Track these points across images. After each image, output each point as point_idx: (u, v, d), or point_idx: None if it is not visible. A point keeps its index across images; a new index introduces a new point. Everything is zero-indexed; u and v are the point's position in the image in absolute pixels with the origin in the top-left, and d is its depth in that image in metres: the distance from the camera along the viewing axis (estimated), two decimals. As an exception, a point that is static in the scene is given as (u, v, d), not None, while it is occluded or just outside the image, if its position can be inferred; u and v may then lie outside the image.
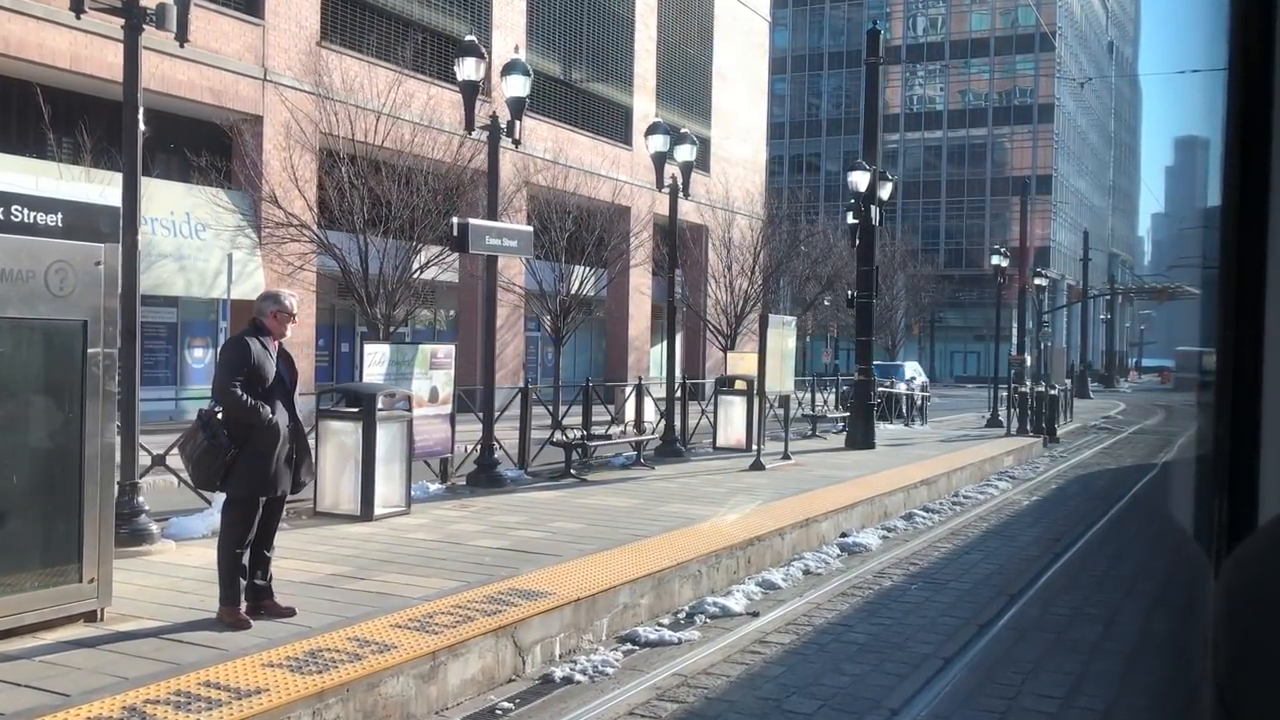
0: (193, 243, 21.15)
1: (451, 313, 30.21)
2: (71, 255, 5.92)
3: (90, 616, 6.18)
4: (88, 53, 18.30)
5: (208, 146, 20.70)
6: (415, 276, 19.65)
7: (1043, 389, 27.02)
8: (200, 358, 22.83)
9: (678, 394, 18.40)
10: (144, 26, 8.39)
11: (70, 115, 18.17)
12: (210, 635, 6.05)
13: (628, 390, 21.25)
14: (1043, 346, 38.35)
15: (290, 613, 6.49)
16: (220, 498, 9.81)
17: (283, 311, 6.75)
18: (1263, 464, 1.38)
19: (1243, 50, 1.35)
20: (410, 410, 10.90)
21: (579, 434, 15.12)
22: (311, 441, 10.44)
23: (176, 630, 6.14)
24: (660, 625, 7.91)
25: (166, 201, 20.57)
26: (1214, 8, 1.46)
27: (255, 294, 21.67)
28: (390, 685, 5.66)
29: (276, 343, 6.71)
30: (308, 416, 12.41)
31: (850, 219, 20.78)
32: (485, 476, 12.86)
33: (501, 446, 13.66)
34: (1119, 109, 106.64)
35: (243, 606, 6.33)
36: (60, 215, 5.88)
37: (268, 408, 6.41)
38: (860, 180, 19.73)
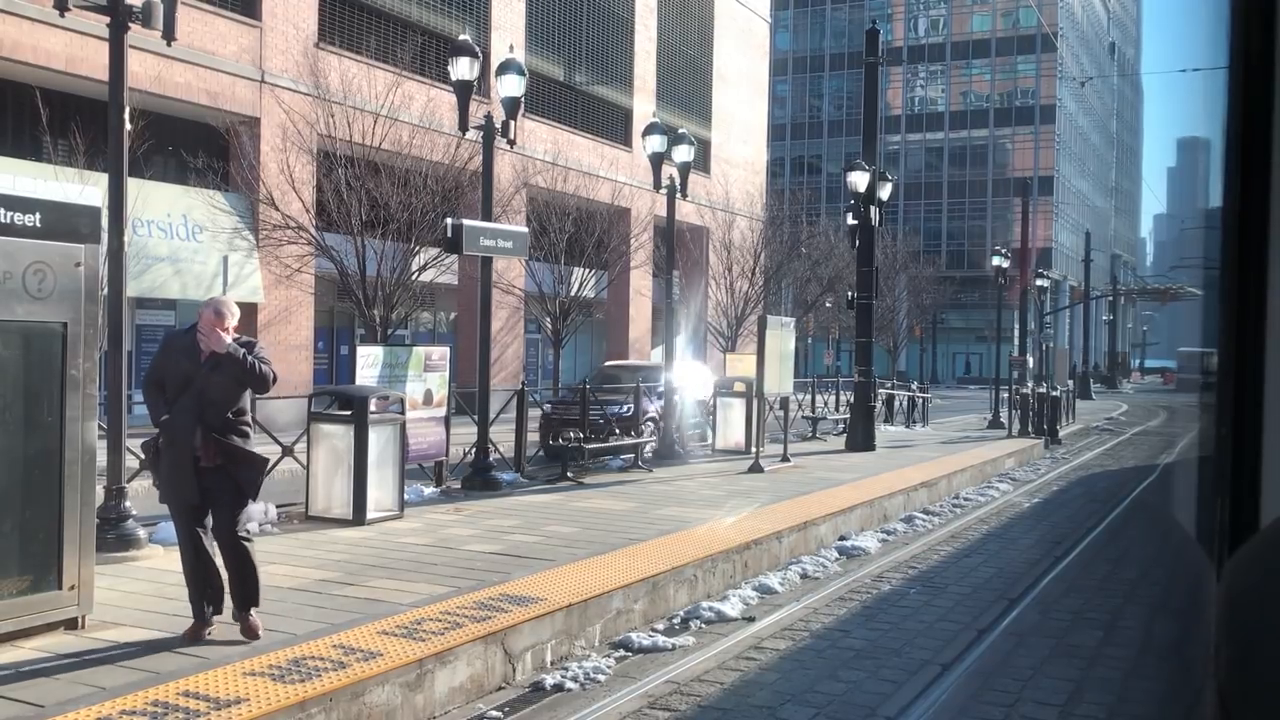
0: (189, 245, 21.07)
1: (452, 315, 30.13)
2: (50, 256, 5.81)
3: (71, 624, 6.08)
4: (83, 54, 18.22)
5: (205, 148, 20.63)
6: (413, 279, 19.59)
7: (1044, 390, 26.90)
8: (198, 361, 22.70)
9: (676, 396, 18.28)
10: (130, 26, 8.29)
11: (66, 117, 18.08)
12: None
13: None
14: (1044, 348, 38.26)
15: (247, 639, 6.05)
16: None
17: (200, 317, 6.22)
18: (1265, 465, 1.37)
19: (1243, 50, 1.35)
20: (404, 413, 10.80)
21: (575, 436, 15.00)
22: (303, 445, 10.48)
23: (158, 638, 6.03)
24: (654, 631, 7.80)
25: (163, 204, 20.49)
26: (1215, 8, 1.44)
27: (252, 296, 21.78)
28: (375, 694, 5.55)
29: (210, 347, 6.07)
30: (297, 420, 12.31)
31: (850, 220, 20.68)
32: (480, 480, 12.75)
33: (498, 449, 13.56)
34: (1121, 110, 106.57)
35: (208, 621, 6.12)
36: (38, 215, 5.76)
37: (162, 410, 6.07)
38: (859, 181, 19.62)
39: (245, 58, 21.96)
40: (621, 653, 7.24)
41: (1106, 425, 34.26)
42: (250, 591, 6.17)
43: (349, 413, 10.08)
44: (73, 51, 18.37)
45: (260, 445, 11.62)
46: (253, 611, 6.16)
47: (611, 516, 11.04)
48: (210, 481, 6.04)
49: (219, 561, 6.19)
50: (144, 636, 6.03)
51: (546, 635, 6.93)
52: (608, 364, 24.89)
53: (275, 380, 6.34)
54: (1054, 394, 27.25)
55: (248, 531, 6.43)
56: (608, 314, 34.23)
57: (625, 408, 17.03)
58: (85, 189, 6.36)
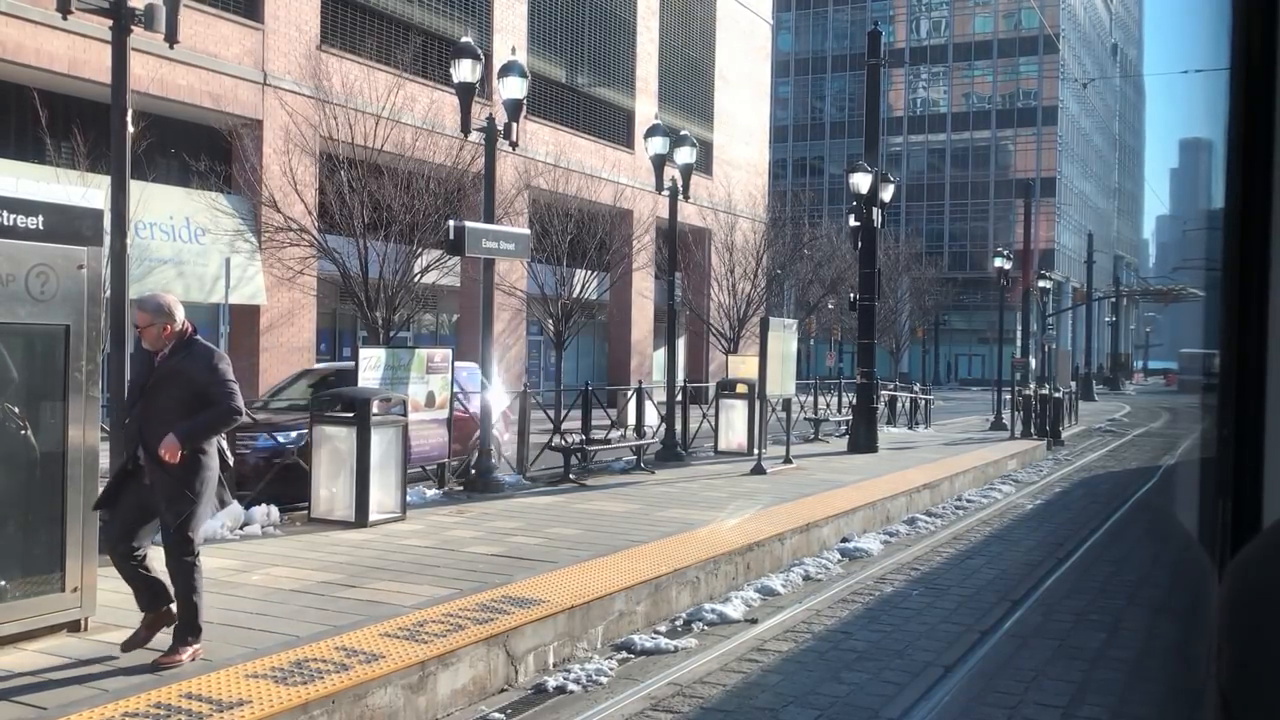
0: (192, 247, 21.09)
1: (454, 317, 30.13)
2: (53, 258, 5.82)
3: (74, 626, 6.08)
4: (85, 56, 18.25)
5: (207, 151, 20.64)
6: (416, 281, 19.57)
7: (1047, 392, 26.89)
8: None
9: (678, 398, 18.29)
10: (133, 28, 8.30)
11: (68, 119, 18.10)
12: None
13: (629, 394, 21.16)
14: (1047, 349, 38.25)
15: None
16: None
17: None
18: (1266, 467, 1.37)
19: (1245, 51, 1.35)
20: (406, 415, 10.80)
21: (578, 438, 15.02)
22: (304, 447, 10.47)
23: (161, 640, 6.01)
24: (657, 633, 7.80)
25: (165, 206, 20.50)
26: (1216, 9, 1.45)
27: (255, 298, 21.79)
28: (378, 696, 5.55)
29: (159, 351, 5.76)
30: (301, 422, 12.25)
31: (852, 221, 20.69)
32: (483, 482, 12.75)
33: (500, 452, 13.56)
34: (1123, 111, 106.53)
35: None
36: (41, 218, 5.76)
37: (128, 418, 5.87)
38: (862, 182, 19.62)
39: (248, 60, 21.98)
40: (624, 654, 7.24)
41: (1109, 427, 34.23)
42: (182, 617, 5.70)
43: (351, 415, 10.09)
44: (75, 54, 18.39)
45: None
46: (185, 647, 5.63)
47: (614, 518, 11.04)
48: (149, 497, 5.73)
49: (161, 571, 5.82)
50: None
51: (549, 637, 6.93)
52: (318, 364, 19.66)
53: (238, 416, 5.78)
54: (1056, 395, 27.23)
55: (192, 554, 5.74)
56: (610, 316, 34.23)
57: (296, 435, 11.20)
58: (88, 191, 6.37)
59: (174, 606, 5.74)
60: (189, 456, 5.64)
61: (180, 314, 5.79)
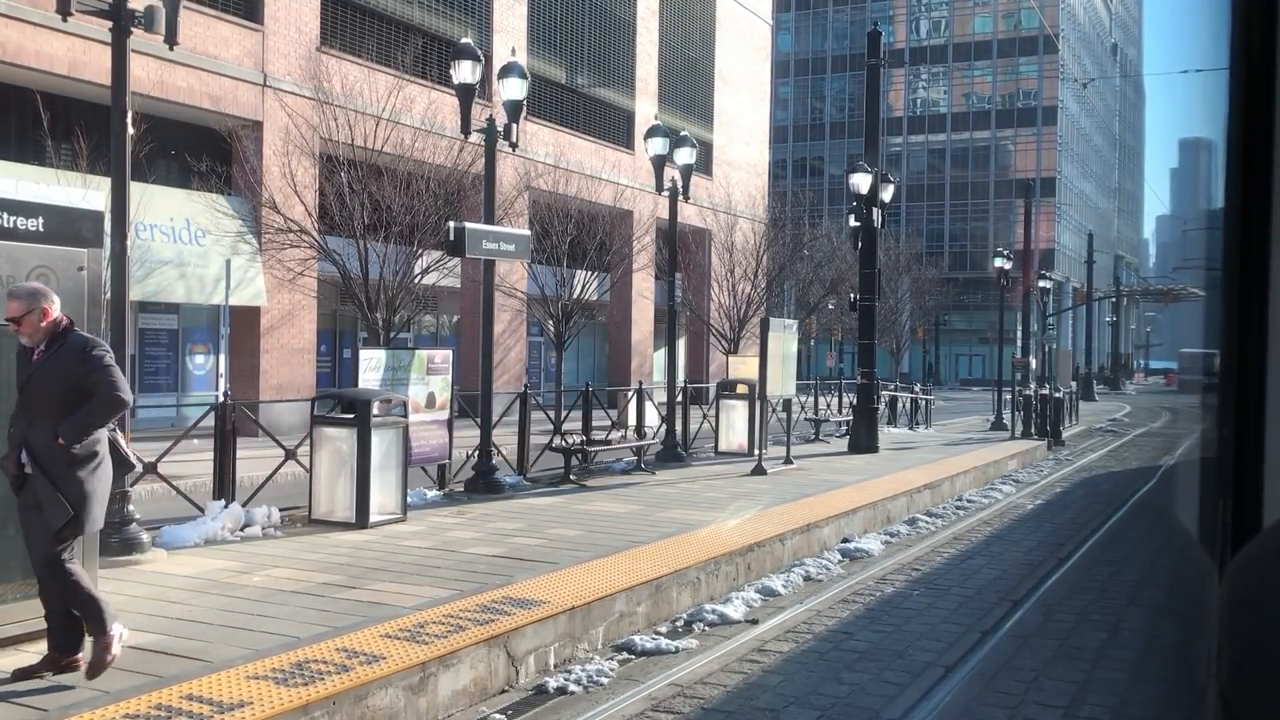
0: (193, 249, 21.09)
1: (454, 318, 30.13)
2: (53, 260, 5.82)
3: (74, 628, 6.07)
4: (86, 59, 18.25)
5: (208, 152, 20.63)
6: (416, 282, 19.57)
7: (1047, 392, 26.89)
8: (201, 364, 22.80)
9: (679, 398, 18.29)
10: (133, 30, 8.31)
11: (69, 121, 18.11)
12: (195, 646, 5.94)
13: (629, 394, 21.15)
14: (1047, 349, 38.24)
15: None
16: (214, 507, 9.76)
17: None
18: (1267, 466, 1.36)
19: (1244, 51, 1.35)
20: (406, 416, 10.80)
21: (579, 439, 15.01)
22: (306, 448, 10.48)
23: (161, 641, 6.02)
24: (657, 634, 7.80)
25: (166, 207, 20.50)
26: (1216, 8, 1.45)
27: (255, 300, 21.79)
28: (378, 697, 5.55)
29: (36, 347, 5.38)
30: (300, 424, 12.29)
31: (852, 222, 20.69)
32: (483, 483, 12.75)
33: (501, 452, 13.56)
34: (1123, 111, 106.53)
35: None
36: (41, 220, 5.77)
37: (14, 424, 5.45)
38: (862, 182, 19.62)
39: (248, 61, 21.98)
40: (624, 655, 7.24)
41: (1109, 427, 34.22)
42: (86, 619, 5.40)
43: (352, 416, 10.09)
44: (75, 56, 18.39)
45: (263, 448, 11.68)
46: (103, 639, 5.31)
47: (614, 519, 11.04)
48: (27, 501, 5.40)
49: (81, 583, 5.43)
50: (147, 640, 6.02)
51: (549, 638, 6.93)
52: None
53: (123, 404, 5.43)
54: (1057, 395, 27.22)
55: (56, 558, 5.33)
56: (610, 317, 34.22)
57: None
58: (88, 193, 6.36)
59: (83, 655, 5.43)
60: (72, 459, 5.30)
61: (57, 301, 5.41)
